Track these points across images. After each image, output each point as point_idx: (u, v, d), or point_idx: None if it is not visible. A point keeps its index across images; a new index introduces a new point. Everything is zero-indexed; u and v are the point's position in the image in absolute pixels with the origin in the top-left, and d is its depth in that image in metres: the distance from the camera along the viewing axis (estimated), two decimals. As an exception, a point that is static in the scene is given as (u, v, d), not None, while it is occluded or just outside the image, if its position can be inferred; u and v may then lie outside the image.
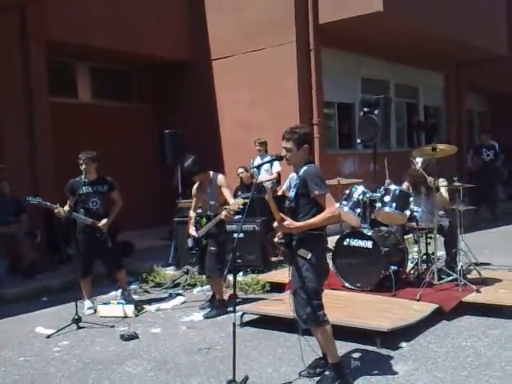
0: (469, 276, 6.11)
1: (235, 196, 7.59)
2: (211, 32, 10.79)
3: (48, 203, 5.93)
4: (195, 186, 6.12)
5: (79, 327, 5.51)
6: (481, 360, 4.28)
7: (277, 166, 8.73)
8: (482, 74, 15.13)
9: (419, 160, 6.27)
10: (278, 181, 8.88)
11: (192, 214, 6.12)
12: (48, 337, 5.30)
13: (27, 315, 6.13)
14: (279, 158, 4.04)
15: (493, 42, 12.88)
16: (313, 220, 3.75)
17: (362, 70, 11.84)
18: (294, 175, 4.08)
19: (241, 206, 5.42)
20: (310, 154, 3.97)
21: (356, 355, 4.49)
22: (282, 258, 6.89)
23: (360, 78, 11.84)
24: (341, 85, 11.33)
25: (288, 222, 3.71)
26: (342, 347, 4.53)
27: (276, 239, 4.11)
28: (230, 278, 6.15)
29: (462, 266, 5.91)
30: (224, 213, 5.60)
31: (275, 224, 3.77)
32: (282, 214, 3.73)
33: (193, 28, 10.94)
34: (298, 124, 4.16)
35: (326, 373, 3.88)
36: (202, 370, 4.33)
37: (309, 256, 3.81)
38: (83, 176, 6.02)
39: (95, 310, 6.09)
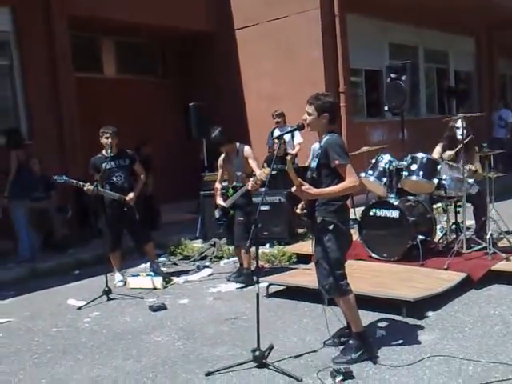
0: (499, 244, 5.99)
1: (262, 167, 7.58)
2: (233, 1, 10.63)
3: (75, 181, 6.02)
4: (221, 158, 6.14)
5: (109, 299, 5.64)
6: (509, 329, 4.22)
7: (298, 138, 8.63)
8: (514, 36, 14.60)
9: (459, 124, 6.09)
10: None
11: (218, 185, 6.16)
12: (79, 308, 5.45)
13: (59, 288, 6.30)
14: (300, 128, 4.00)
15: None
16: (332, 188, 3.72)
17: (389, 35, 11.55)
18: (316, 146, 4.04)
19: (268, 176, 5.41)
20: (333, 123, 3.91)
21: (381, 324, 4.48)
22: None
23: (387, 43, 11.57)
24: (367, 51, 11.09)
25: (306, 186, 3.69)
26: (368, 317, 4.54)
27: (299, 210, 4.10)
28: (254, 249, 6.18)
29: (491, 235, 5.80)
30: (251, 183, 5.62)
31: (293, 189, 3.74)
32: (300, 179, 3.70)
33: (215, -2, 10.80)
34: (325, 92, 4.09)
35: (350, 342, 3.89)
36: (227, 339, 4.40)
37: (331, 226, 3.79)
38: (108, 150, 6.07)
39: (125, 282, 6.22)
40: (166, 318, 5.02)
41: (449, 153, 6.29)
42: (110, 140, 6.06)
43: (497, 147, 6.75)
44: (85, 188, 5.94)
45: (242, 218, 5.86)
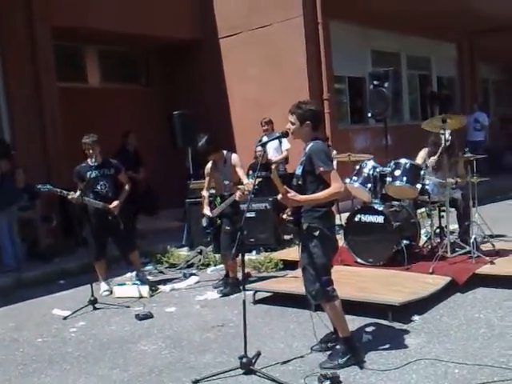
0: (483, 248, 6.06)
1: (247, 174, 7.61)
2: (217, 10, 10.68)
3: (58, 190, 6.00)
4: (208, 166, 6.13)
5: (95, 308, 5.60)
6: (494, 331, 4.27)
7: (286, 144, 8.68)
8: (496, 42, 14.79)
9: (447, 131, 6.15)
10: (286, 159, 8.85)
11: (205, 193, 6.14)
12: (65, 318, 5.41)
13: (45, 298, 6.25)
14: (284, 135, 4.03)
15: (505, 8, 12.55)
16: (317, 194, 3.75)
17: (371, 42, 11.67)
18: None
19: (256, 186, 5.43)
20: (316, 130, 3.94)
21: (368, 329, 4.50)
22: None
23: (370, 50, 11.69)
24: (351, 58, 11.19)
25: (292, 193, 3.71)
26: (355, 321, 4.56)
27: (284, 216, 4.12)
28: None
29: (475, 239, 5.87)
30: (238, 193, 5.61)
31: (279, 196, 3.76)
32: (285, 187, 3.72)
33: (199, 6, 10.82)
34: (307, 99, 4.12)
35: (337, 347, 3.91)
36: (214, 347, 4.39)
37: (317, 232, 3.81)
38: (92, 160, 6.06)
39: (111, 292, 6.18)
40: (153, 327, 5.00)
41: (433, 159, 6.36)
42: (91, 150, 6.05)
43: (473, 151, 6.83)
44: (69, 197, 5.92)
45: (228, 228, 5.84)
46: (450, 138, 6.23)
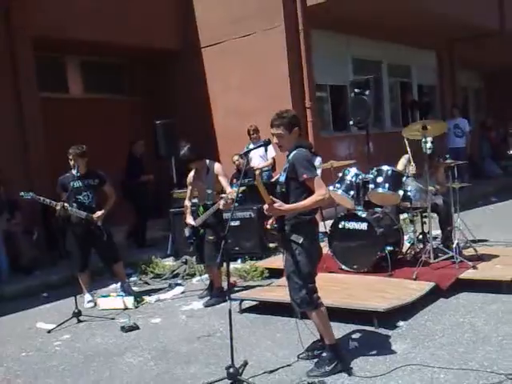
0: (465, 253, 6.12)
1: (231, 183, 7.61)
2: (199, 20, 10.70)
3: (41, 198, 5.94)
4: (191, 175, 6.11)
5: (80, 321, 5.55)
6: (478, 335, 4.31)
7: (272, 152, 8.72)
8: (475, 50, 15.04)
9: (429, 139, 6.22)
10: (273, 166, 8.88)
11: (187, 203, 6.12)
12: (49, 332, 5.34)
13: (28, 311, 6.17)
14: (267, 143, 4.06)
15: (484, 17, 12.79)
16: (303, 202, 3.77)
17: (353, 50, 11.77)
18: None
19: (239, 194, 5.43)
20: (300, 135, 3.98)
21: (354, 336, 4.52)
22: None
23: (351, 58, 11.78)
24: (332, 67, 11.27)
25: (278, 203, 3.72)
26: (341, 328, 4.58)
27: (269, 226, 4.14)
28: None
29: (457, 244, 5.93)
30: (222, 202, 5.60)
31: (265, 206, 3.78)
32: (271, 197, 3.74)
33: (181, 16, 10.84)
34: (283, 109, 4.10)
35: (324, 354, 3.91)
36: (201, 357, 4.37)
37: (301, 240, 3.83)
38: (75, 171, 6.03)
39: (95, 303, 6.13)
40: (139, 338, 4.97)
41: (412, 167, 6.42)
42: (72, 162, 6.04)
43: (455, 158, 6.92)
44: (57, 207, 5.83)
45: (212, 237, 5.82)
46: (431, 145, 6.31)
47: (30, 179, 8.37)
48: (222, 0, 10.39)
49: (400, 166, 6.63)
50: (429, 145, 6.16)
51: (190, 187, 6.14)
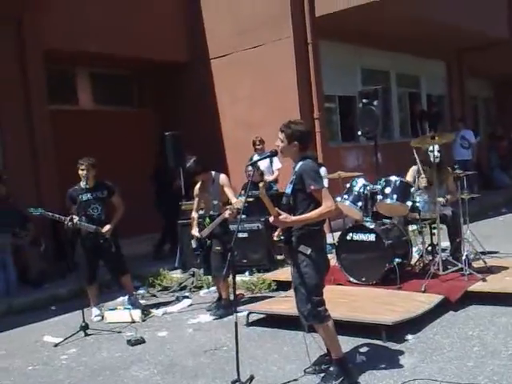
0: (475, 265, 6.06)
1: (240, 194, 7.61)
2: (208, 31, 10.76)
3: (50, 213, 5.96)
4: (197, 187, 6.15)
5: (87, 334, 5.54)
6: (487, 349, 4.25)
7: (277, 163, 8.72)
8: (484, 59, 14.98)
9: (436, 147, 6.18)
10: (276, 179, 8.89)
11: (194, 214, 6.14)
12: (56, 345, 5.34)
13: (35, 324, 6.17)
14: (274, 154, 4.07)
15: (493, 26, 12.74)
16: (309, 214, 3.75)
17: (361, 61, 11.76)
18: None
19: (245, 204, 5.43)
20: (304, 150, 3.95)
21: (362, 350, 4.48)
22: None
23: (360, 69, 11.77)
24: (341, 77, 11.27)
25: (283, 216, 3.71)
26: (348, 342, 4.53)
27: (275, 237, 4.12)
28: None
29: (467, 256, 5.87)
30: (228, 212, 5.61)
31: (271, 219, 3.76)
32: (277, 209, 3.72)
33: (189, 28, 10.91)
34: (297, 119, 4.13)
35: (331, 369, 3.88)
36: (208, 372, 4.35)
37: (308, 252, 3.81)
38: (83, 183, 6.05)
39: (102, 317, 6.12)
40: (145, 352, 4.95)
41: (422, 179, 6.37)
42: (85, 172, 6.04)
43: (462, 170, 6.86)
44: (68, 224, 5.84)
45: (219, 248, 5.83)
46: (438, 154, 6.28)
47: (39, 191, 8.44)
48: (230, 12, 10.44)
49: (409, 178, 6.58)
50: (436, 153, 6.13)
51: (196, 199, 6.16)
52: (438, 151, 6.30)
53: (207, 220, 5.94)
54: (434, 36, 11.88)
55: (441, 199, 6.14)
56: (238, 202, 5.57)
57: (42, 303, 6.92)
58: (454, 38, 12.72)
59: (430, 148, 6.19)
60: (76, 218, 5.89)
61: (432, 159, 6.14)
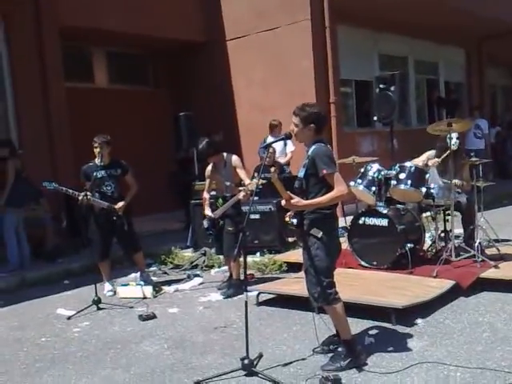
0: (487, 252, 6.03)
1: (252, 177, 7.62)
2: (225, 12, 10.70)
3: (64, 188, 6.00)
4: (209, 168, 6.16)
5: (99, 308, 5.61)
6: (497, 335, 4.25)
7: (290, 146, 8.71)
8: (504, 47, 14.76)
9: (454, 135, 6.12)
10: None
11: (206, 195, 6.16)
12: (69, 318, 5.42)
13: (49, 298, 6.26)
14: (288, 137, 4.04)
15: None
16: (320, 198, 3.75)
17: (379, 46, 11.66)
18: None
19: (260, 187, 5.43)
20: (319, 134, 3.93)
21: (371, 332, 4.49)
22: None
23: (377, 54, 11.68)
24: (358, 62, 11.18)
25: (295, 199, 3.71)
26: (358, 324, 4.55)
27: (287, 218, 4.12)
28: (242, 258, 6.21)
29: (480, 243, 5.84)
30: (242, 193, 5.64)
31: (283, 202, 3.77)
32: (288, 192, 3.73)
33: (206, 9, 10.86)
34: (311, 102, 4.10)
35: (339, 349, 3.90)
36: (217, 348, 4.39)
37: (320, 234, 3.81)
38: (98, 160, 6.08)
39: (115, 292, 6.19)
40: (156, 328, 5.01)
41: (433, 160, 6.32)
42: (99, 149, 6.07)
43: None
44: (80, 198, 5.90)
45: (231, 228, 5.86)
46: (457, 141, 6.23)
47: (54, 168, 8.51)
48: (247, -7, 10.37)
49: (423, 157, 6.51)
50: (454, 140, 6.07)
51: (208, 180, 6.18)
52: (457, 138, 6.25)
53: (220, 201, 5.96)
54: (452, 23, 11.71)
55: (457, 181, 6.08)
56: (251, 183, 5.58)
57: (55, 277, 7.03)
58: (473, 26, 12.53)
59: (449, 135, 6.13)
60: (89, 195, 5.93)
61: (450, 145, 6.07)
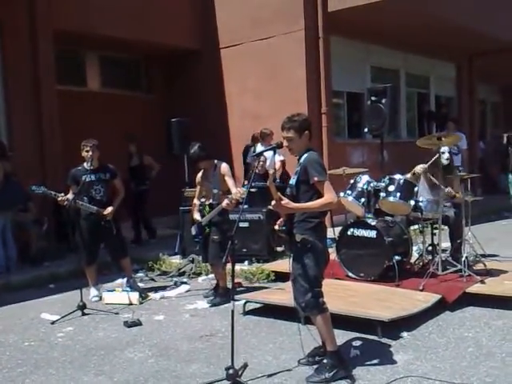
0: (474, 267, 6.06)
1: (243, 185, 7.62)
2: (219, 20, 10.73)
3: (52, 192, 5.97)
4: (199, 175, 6.16)
5: (84, 314, 5.57)
6: (481, 351, 4.26)
7: (279, 156, 8.72)
8: (495, 63, 14.92)
9: (445, 149, 6.16)
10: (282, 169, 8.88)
11: (196, 201, 6.15)
12: (53, 323, 5.37)
13: (33, 301, 6.21)
14: (279, 146, 4.04)
15: (506, 30, 12.65)
16: (310, 203, 3.76)
17: (371, 58, 11.73)
18: None
19: (243, 196, 5.42)
20: (310, 140, 3.96)
21: (356, 344, 4.48)
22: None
23: (369, 66, 11.74)
24: (350, 74, 11.24)
25: (285, 201, 3.72)
26: (344, 336, 4.55)
27: (277, 226, 4.12)
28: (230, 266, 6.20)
29: (467, 257, 5.87)
30: (226, 201, 5.63)
31: (273, 203, 3.77)
32: (279, 194, 3.73)
33: (201, 16, 10.88)
34: (295, 113, 4.09)
35: (324, 361, 3.89)
36: (202, 357, 4.36)
37: (309, 244, 3.81)
38: (88, 164, 6.05)
39: (100, 297, 6.15)
40: (141, 335, 4.97)
41: (420, 166, 6.33)
42: (90, 153, 6.04)
43: None
44: (59, 199, 5.88)
45: (216, 237, 5.85)
46: (448, 156, 6.28)
47: (44, 170, 8.46)
48: (243, 1, 10.40)
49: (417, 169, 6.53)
50: (446, 155, 6.13)
51: (198, 186, 6.17)
52: (449, 152, 6.30)
53: (207, 208, 5.96)
54: (445, 38, 11.81)
55: (449, 189, 6.09)
56: (236, 192, 5.56)
57: (40, 281, 6.98)
58: (465, 41, 12.65)
59: (441, 149, 6.17)
60: (78, 199, 5.88)
61: (444, 161, 6.13)
